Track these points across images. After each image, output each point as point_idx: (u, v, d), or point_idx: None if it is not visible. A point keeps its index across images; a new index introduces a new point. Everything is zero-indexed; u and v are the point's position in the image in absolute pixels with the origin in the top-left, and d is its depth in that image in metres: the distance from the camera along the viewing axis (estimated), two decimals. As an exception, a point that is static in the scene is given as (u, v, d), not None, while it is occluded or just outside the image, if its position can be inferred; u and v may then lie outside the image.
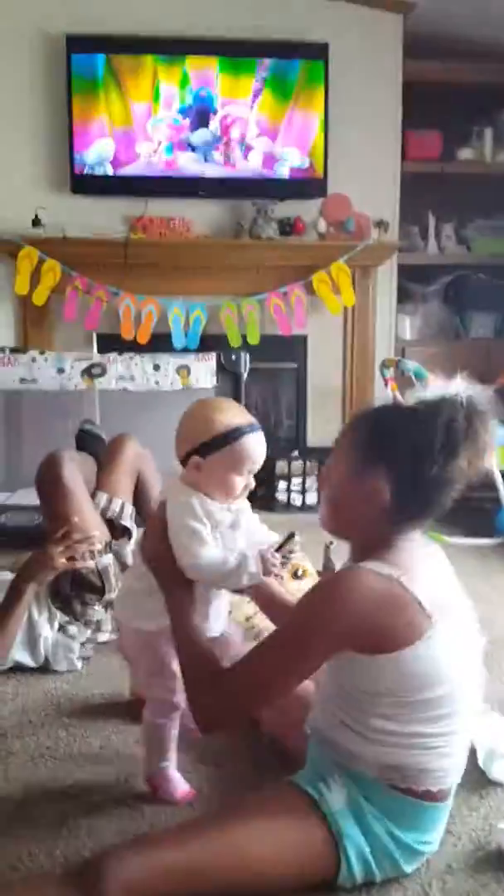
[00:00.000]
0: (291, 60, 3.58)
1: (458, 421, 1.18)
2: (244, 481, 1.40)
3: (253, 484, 1.43)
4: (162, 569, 1.39)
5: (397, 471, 1.22)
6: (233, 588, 1.44)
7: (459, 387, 1.21)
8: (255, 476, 1.43)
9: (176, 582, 1.37)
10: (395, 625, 1.17)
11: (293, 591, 1.79)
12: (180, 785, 1.48)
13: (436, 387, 1.23)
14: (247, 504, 1.48)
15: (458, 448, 1.18)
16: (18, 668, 1.98)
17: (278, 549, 1.41)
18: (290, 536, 1.44)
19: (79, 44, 3.48)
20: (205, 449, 1.36)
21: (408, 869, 1.25)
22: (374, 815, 1.21)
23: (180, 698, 1.41)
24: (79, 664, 2.02)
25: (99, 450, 2.36)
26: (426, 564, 1.25)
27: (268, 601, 1.53)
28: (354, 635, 1.18)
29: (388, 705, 1.20)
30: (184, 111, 3.57)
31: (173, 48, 3.54)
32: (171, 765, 1.48)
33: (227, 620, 1.55)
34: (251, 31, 3.59)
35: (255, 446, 1.39)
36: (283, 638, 1.24)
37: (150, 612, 1.40)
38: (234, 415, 1.39)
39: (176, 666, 1.39)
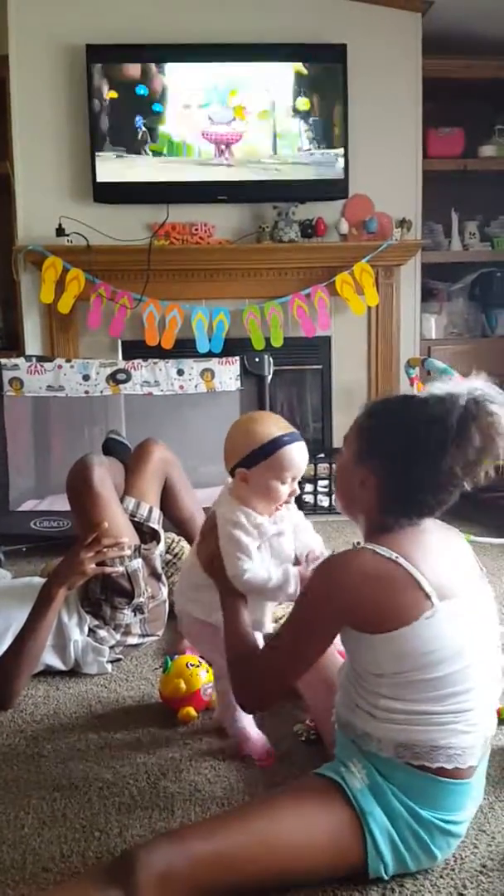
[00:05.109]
0: (309, 63, 3.59)
1: (450, 421, 1.17)
2: (289, 488, 1.49)
3: (297, 490, 1.52)
4: (217, 573, 1.49)
5: (385, 465, 1.25)
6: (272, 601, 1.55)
7: (473, 385, 1.20)
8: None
9: (228, 586, 1.47)
10: (393, 603, 1.18)
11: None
12: (260, 743, 1.59)
13: (452, 384, 1.23)
14: (295, 510, 1.58)
15: (445, 448, 1.18)
16: (49, 672, 2.00)
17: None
18: None
19: (98, 53, 3.52)
20: (249, 461, 1.47)
21: (438, 853, 1.23)
22: (394, 793, 1.22)
23: None
24: (108, 667, 2.04)
25: (125, 457, 2.38)
26: (433, 548, 1.25)
27: None
28: (352, 612, 1.21)
29: (390, 686, 1.22)
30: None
31: (192, 54, 3.56)
32: (246, 724, 1.61)
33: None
34: (268, 35, 3.60)
35: (296, 454, 1.48)
36: (292, 618, 1.30)
37: (206, 604, 1.53)
38: (273, 426, 1.49)
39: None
